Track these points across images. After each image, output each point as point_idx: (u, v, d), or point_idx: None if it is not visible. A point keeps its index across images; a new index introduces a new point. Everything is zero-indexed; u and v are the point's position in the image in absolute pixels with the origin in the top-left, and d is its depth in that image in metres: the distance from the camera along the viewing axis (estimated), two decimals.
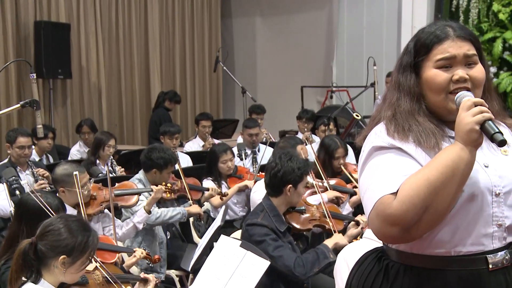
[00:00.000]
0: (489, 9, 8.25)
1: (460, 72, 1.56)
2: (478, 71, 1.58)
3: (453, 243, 1.54)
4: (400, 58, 1.67)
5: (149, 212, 3.84)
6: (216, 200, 4.57)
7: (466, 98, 1.51)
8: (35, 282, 2.23)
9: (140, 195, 3.93)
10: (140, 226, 3.81)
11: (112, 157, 5.44)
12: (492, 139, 1.46)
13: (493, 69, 8.14)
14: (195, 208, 4.21)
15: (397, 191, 1.48)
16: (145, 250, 3.37)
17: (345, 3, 9.60)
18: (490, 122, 1.46)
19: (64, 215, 2.43)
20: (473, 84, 1.57)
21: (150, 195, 3.91)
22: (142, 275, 2.81)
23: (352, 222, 3.49)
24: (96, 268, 2.67)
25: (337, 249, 3.23)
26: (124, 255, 3.30)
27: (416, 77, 1.61)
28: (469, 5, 8.39)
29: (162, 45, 9.53)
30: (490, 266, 1.54)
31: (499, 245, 1.56)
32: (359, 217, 3.55)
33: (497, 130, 1.45)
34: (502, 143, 1.45)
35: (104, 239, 3.33)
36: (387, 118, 1.62)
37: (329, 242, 3.25)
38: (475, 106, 1.48)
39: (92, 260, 2.46)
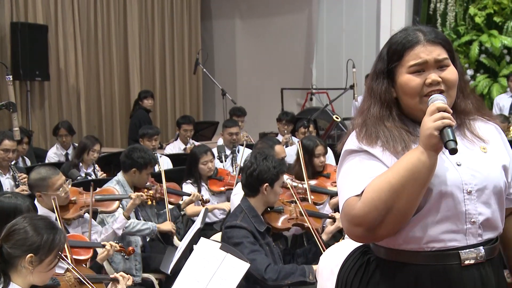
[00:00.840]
0: (466, 12, 8.37)
1: (432, 76, 1.60)
2: (450, 73, 1.62)
3: (426, 239, 1.58)
4: (374, 65, 1.72)
5: (128, 218, 3.82)
6: (192, 209, 4.53)
7: (434, 102, 1.55)
8: (5, 286, 2.19)
9: (121, 201, 3.90)
10: (120, 232, 3.79)
11: (95, 163, 5.41)
12: (445, 145, 1.50)
13: (470, 72, 8.26)
14: (166, 226, 4.16)
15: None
16: (118, 243, 3.36)
17: (324, 6, 9.65)
18: (448, 129, 1.50)
19: (29, 215, 2.38)
20: (447, 86, 1.61)
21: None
22: (114, 275, 2.80)
23: (329, 220, 3.52)
24: (67, 269, 2.65)
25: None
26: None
27: (388, 84, 1.66)
28: (446, 8, 8.51)
29: (141, 47, 9.49)
30: (463, 262, 1.58)
31: (474, 241, 1.60)
32: (334, 214, 3.58)
33: (452, 138, 1.48)
34: (453, 151, 1.48)
35: (76, 237, 3.30)
36: (357, 124, 1.68)
37: (316, 267, 3.24)
38: (439, 111, 1.52)
39: (64, 262, 2.43)
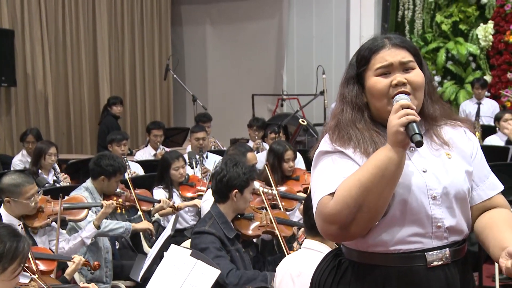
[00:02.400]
0: (433, 20, 8.54)
1: (398, 77, 1.65)
2: (415, 75, 1.67)
3: (393, 242, 1.62)
4: (345, 72, 1.78)
5: (98, 227, 3.76)
6: (166, 212, 4.51)
7: (399, 101, 1.60)
8: None
9: (90, 209, 3.85)
10: (88, 241, 3.73)
11: (57, 166, 5.32)
12: (411, 139, 1.54)
13: (437, 78, 8.42)
14: (143, 225, 4.12)
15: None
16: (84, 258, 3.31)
17: (294, 12, 9.72)
18: (413, 124, 1.54)
19: None
20: (413, 88, 1.65)
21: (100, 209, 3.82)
22: (82, 284, 2.76)
23: (302, 229, 3.52)
24: (32, 279, 2.60)
25: None
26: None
27: (359, 89, 1.72)
28: (414, 16, 8.66)
29: (111, 52, 9.39)
30: (429, 264, 1.63)
31: (440, 243, 1.64)
32: None
33: (417, 132, 1.53)
34: (418, 143, 1.53)
35: (41, 249, 3.24)
36: (331, 127, 1.73)
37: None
38: (402, 108, 1.56)
39: (29, 272, 2.39)
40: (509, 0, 7.98)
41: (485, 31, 8.00)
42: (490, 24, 8.01)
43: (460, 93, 8.18)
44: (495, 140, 6.07)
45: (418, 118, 1.56)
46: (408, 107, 1.57)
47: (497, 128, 6.28)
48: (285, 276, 2.58)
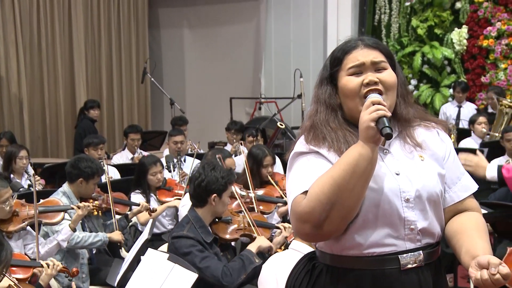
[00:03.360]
0: (409, 24, 8.64)
1: (369, 76, 1.67)
2: (387, 75, 1.69)
3: (366, 245, 1.63)
4: (319, 74, 1.80)
5: (74, 230, 3.73)
6: (144, 216, 4.48)
7: (372, 98, 1.61)
8: None
9: (65, 212, 3.81)
10: (64, 244, 3.69)
11: (31, 169, 5.25)
12: (380, 132, 1.56)
13: (413, 82, 8.52)
14: (117, 235, 4.08)
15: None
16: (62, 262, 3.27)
17: (272, 16, 9.75)
18: (384, 118, 1.56)
19: None
20: (385, 87, 1.67)
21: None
22: None
23: (278, 230, 3.53)
24: (9, 286, 2.55)
25: (261, 252, 3.28)
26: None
27: (332, 89, 1.73)
28: (390, 20, 8.76)
29: (87, 55, 9.31)
30: (402, 266, 1.63)
31: (413, 246, 1.65)
32: (283, 225, 3.60)
33: (386, 125, 1.55)
34: (388, 136, 1.55)
35: (17, 256, 3.19)
36: (306, 128, 1.74)
37: (252, 247, 3.27)
38: (373, 105, 1.58)
39: (6, 277, 2.34)
40: (482, 6, 8.12)
41: (459, 36, 8.12)
42: (464, 28, 8.14)
43: (436, 97, 8.28)
44: (470, 143, 6.16)
45: (388, 114, 1.57)
46: (379, 103, 1.58)
47: (472, 131, 6.38)
48: (270, 275, 2.59)
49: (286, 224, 3.58)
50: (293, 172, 1.69)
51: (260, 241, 3.33)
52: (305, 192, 1.58)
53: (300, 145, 1.72)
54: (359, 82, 1.67)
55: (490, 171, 2.97)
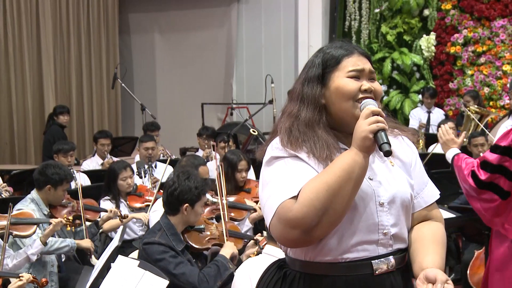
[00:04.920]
0: (378, 31, 8.76)
1: (367, 84, 1.69)
2: (378, 85, 1.72)
3: (340, 250, 1.63)
4: (304, 72, 1.76)
5: (45, 244, 3.66)
6: (109, 223, 4.42)
7: (369, 106, 1.63)
8: None
9: (38, 225, 3.74)
10: (34, 258, 3.61)
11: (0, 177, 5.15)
12: (380, 148, 1.57)
13: (384, 87, 8.62)
14: (86, 243, 4.03)
15: (298, 195, 1.56)
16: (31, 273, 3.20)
17: (243, 22, 9.78)
18: (382, 132, 1.57)
19: None
20: (375, 97, 1.69)
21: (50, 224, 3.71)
22: None
23: (252, 241, 3.51)
24: None
25: (234, 257, 3.27)
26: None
27: (321, 89, 1.71)
28: (360, 26, 8.86)
29: (56, 61, 9.17)
30: (375, 271, 1.65)
31: (385, 251, 1.67)
32: (257, 236, 3.57)
33: (386, 141, 1.56)
34: (387, 153, 1.57)
35: None
36: (283, 129, 1.70)
37: (226, 252, 3.26)
38: (373, 115, 1.59)
39: None
40: (449, 13, 8.28)
41: (427, 42, 8.27)
42: (432, 35, 8.29)
43: (405, 102, 8.40)
44: (438, 148, 6.25)
45: (387, 127, 1.60)
46: (379, 114, 1.59)
47: None
48: (244, 279, 2.58)
49: (260, 237, 3.56)
50: (272, 176, 1.64)
51: (232, 247, 3.32)
52: (294, 197, 1.56)
53: (275, 149, 1.67)
54: (358, 86, 1.67)
55: (450, 153, 3.11)
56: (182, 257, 3.12)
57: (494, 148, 2.68)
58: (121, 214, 4.41)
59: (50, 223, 3.70)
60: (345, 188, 1.53)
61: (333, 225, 1.58)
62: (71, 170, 5.22)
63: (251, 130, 6.30)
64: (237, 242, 3.61)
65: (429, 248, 1.67)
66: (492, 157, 2.66)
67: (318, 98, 1.69)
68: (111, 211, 4.33)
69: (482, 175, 2.65)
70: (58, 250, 3.82)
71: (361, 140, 1.57)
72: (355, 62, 1.70)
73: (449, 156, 3.14)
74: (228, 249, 3.29)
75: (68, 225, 3.91)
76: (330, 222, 1.55)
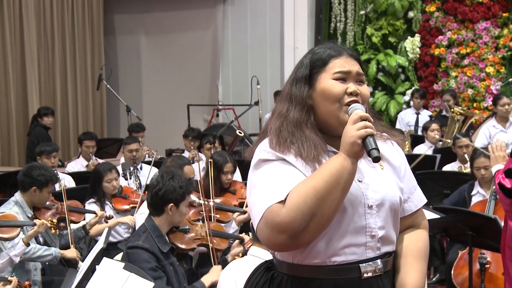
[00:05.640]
0: (364, 32, 8.81)
1: (353, 86, 1.67)
2: (366, 89, 1.71)
3: (328, 253, 1.62)
4: (293, 73, 1.75)
5: (27, 245, 3.62)
6: (95, 229, 4.39)
7: (356, 111, 1.61)
8: None
9: (22, 228, 3.70)
10: (17, 260, 3.58)
11: None
12: (369, 154, 1.56)
13: (369, 89, 8.67)
14: (71, 253, 4.00)
15: (285, 199, 1.55)
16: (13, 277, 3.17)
17: (229, 23, 9.78)
18: (371, 138, 1.56)
19: None
20: (362, 100, 1.68)
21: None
22: None
23: (237, 241, 3.51)
24: None
25: (213, 286, 3.21)
26: None
27: (308, 89, 1.70)
28: (346, 28, 8.90)
29: (40, 62, 9.08)
30: (363, 275, 1.64)
31: (373, 254, 1.66)
32: (243, 235, 3.58)
33: (375, 147, 1.56)
34: (376, 159, 1.56)
35: None
36: (273, 129, 1.69)
37: (206, 280, 3.23)
38: (362, 120, 1.58)
39: None
40: (433, 15, 8.35)
41: (412, 44, 8.33)
42: (417, 37, 8.35)
43: (390, 104, 8.45)
44: (423, 149, 6.30)
45: (375, 132, 1.59)
46: (367, 119, 1.58)
47: (425, 138, 6.53)
48: (229, 281, 2.58)
49: (246, 236, 3.56)
50: (261, 180, 1.63)
51: (215, 275, 3.23)
52: (281, 201, 1.55)
53: (264, 152, 1.66)
54: (344, 89, 1.66)
55: (494, 168, 3.14)
56: (165, 264, 3.08)
57: None
58: (107, 215, 4.39)
59: (34, 224, 3.66)
60: (333, 194, 1.53)
61: (321, 230, 1.57)
62: (55, 171, 5.18)
63: (237, 132, 6.30)
64: (222, 242, 3.60)
65: (412, 266, 1.71)
66: None
67: (305, 99, 1.68)
68: (98, 215, 4.30)
69: (508, 184, 2.45)
70: (40, 258, 3.79)
71: (349, 146, 1.56)
72: (342, 63, 1.68)
73: (492, 171, 3.14)
74: (211, 277, 3.24)
75: (52, 228, 3.88)
76: (318, 227, 1.55)
